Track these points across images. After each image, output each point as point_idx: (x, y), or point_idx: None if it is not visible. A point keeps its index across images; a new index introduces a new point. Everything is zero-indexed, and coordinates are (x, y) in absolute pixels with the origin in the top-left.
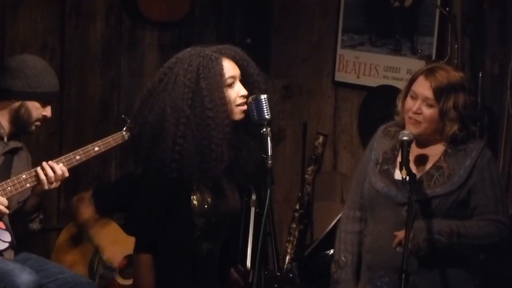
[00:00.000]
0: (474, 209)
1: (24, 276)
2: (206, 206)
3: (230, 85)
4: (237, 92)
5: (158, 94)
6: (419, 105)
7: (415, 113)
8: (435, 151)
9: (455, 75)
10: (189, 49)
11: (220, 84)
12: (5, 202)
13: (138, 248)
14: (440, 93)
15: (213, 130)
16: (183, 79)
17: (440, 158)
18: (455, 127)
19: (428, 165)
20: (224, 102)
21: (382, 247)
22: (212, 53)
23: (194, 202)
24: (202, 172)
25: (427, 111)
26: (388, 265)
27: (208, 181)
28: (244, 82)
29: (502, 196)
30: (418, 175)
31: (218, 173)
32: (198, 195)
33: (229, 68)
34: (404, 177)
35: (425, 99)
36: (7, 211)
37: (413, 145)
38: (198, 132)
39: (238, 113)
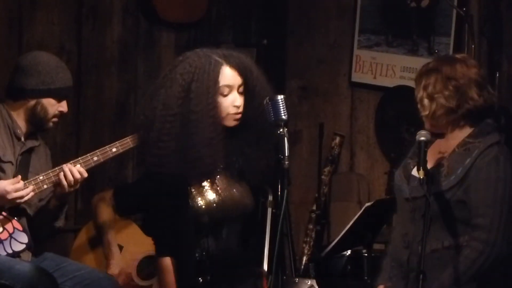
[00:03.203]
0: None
1: (40, 277)
2: (210, 205)
3: (225, 94)
4: (231, 101)
5: (158, 89)
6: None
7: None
8: (448, 148)
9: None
10: (199, 49)
11: (210, 90)
12: (23, 192)
13: (158, 252)
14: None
15: (195, 134)
16: (180, 78)
17: (444, 156)
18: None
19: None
20: (211, 108)
21: (394, 240)
22: (217, 58)
23: (196, 200)
24: (182, 171)
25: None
26: (396, 259)
27: (194, 180)
28: (246, 91)
29: (499, 200)
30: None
31: (203, 172)
32: (199, 194)
33: (228, 77)
34: (421, 177)
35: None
36: (28, 195)
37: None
38: (182, 131)
39: (230, 120)
